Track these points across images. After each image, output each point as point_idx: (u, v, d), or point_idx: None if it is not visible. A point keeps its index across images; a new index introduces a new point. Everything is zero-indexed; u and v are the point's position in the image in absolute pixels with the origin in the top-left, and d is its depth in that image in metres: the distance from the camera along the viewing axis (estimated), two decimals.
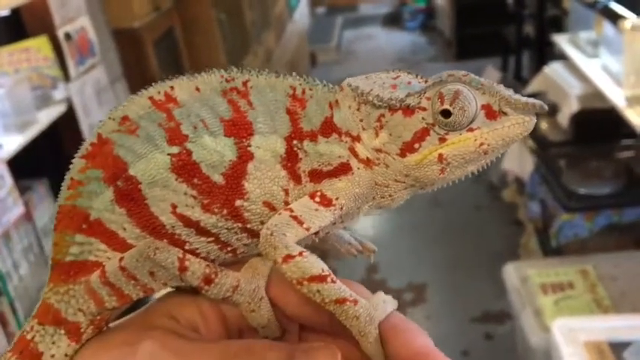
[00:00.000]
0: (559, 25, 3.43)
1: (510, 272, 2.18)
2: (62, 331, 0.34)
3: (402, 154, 0.31)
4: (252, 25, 3.94)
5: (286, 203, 0.31)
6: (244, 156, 0.32)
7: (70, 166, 0.34)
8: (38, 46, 2.12)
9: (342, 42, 6.47)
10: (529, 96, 0.31)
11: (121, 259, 0.32)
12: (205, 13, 3.09)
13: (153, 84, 0.36)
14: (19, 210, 1.93)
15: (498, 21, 4.82)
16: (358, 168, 0.32)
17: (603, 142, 2.39)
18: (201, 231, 0.32)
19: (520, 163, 2.72)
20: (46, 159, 2.29)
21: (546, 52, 3.56)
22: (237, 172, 0.32)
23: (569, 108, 2.49)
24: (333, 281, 0.30)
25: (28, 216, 2.07)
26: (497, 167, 2.93)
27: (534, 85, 2.92)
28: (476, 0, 5.29)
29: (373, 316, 0.30)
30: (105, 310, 0.34)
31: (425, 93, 0.30)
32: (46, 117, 2.08)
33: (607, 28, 2.34)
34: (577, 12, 2.84)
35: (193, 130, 0.32)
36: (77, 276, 0.34)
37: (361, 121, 0.31)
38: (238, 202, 0.32)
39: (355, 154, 0.32)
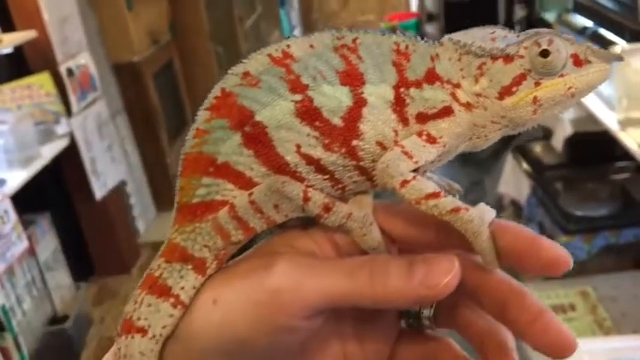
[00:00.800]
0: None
1: None
2: (189, 267, 0.36)
3: (501, 97, 0.35)
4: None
5: (396, 142, 0.36)
6: (359, 102, 0.35)
7: (196, 118, 0.37)
8: (40, 82, 2.15)
9: None
10: None
11: (250, 194, 0.36)
12: (203, 46, 3.14)
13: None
14: (23, 245, 1.95)
15: None
16: (459, 111, 0.36)
17: (598, 165, 2.43)
18: (320, 169, 0.36)
19: (516, 187, 2.75)
20: (48, 193, 2.31)
21: None
22: (353, 116, 0.35)
23: (563, 131, 2.53)
24: (445, 196, 0.34)
25: (31, 250, 2.08)
26: (493, 191, 2.96)
27: None
28: (466, 28, 5.39)
29: (483, 218, 0.33)
30: (230, 244, 0.37)
31: (523, 43, 0.34)
32: (48, 152, 2.10)
33: None
34: None
35: (312, 81, 0.36)
36: (204, 215, 0.37)
37: (461, 70, 0.36)
38: (354, 142, 0.36)
39: (456, 99, 0.36)
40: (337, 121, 0.35)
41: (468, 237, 0.33)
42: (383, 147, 0.36)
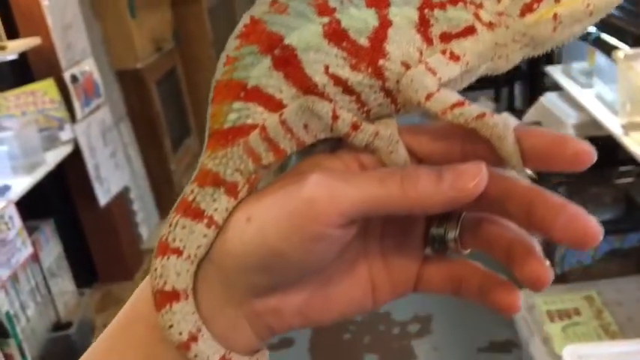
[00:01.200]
0: (550, 57, 3.50)
1: None
2: (221, 190, 0.37)
3: (522, 15, 0.35)
4: None
5: (420, 62, 0.36)
6: (384, 23, 0.36)
7: (226, 47, 0.38)
8: (45, 88, 2.16)
9: None
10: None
11: (281, 114, 0.36)
12: (205, 53, 3.15)
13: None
14: (27, 251, 1.94)
15: None
16: (482, 30, 0.36)
17: (602, 169, 2.43)
18: (347, 89, 0.37)
19: None
20: (51, 199, 2.31)
21: (538, 84, 3.63)
22: (379, 36, 0.36)
23: None
24: (469, 104, 0.35)
25: (34, 257, 2.08)
26: None
27: (531, 115, 2.97)
28: None
29: (507, 123, 0.35)
30: (261, 167, 0.37)
31: None
32: (53, 158, 2.11)
33: (600, 58, 2.40)
34: (569, 44, 2.91)
35: (340, 4, 0.36)
36: (235, 139, 0.37)
37: None
38: (381, 62, 0.36)
39: (479, 19, 0.37)
40: (364, 41, 0.36)
41: (494, 142, 0.34)
42: (407, 67, 0.36)
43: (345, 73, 0.36)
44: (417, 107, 0.36)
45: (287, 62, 0.36)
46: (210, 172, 0.37)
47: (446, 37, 0.37)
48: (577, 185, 2.46)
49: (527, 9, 0.35)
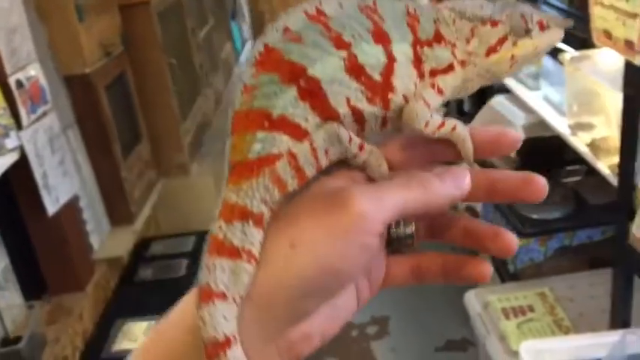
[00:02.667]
0: None
1: (472, 299, 2.22)
2: (250, 223, 0.37)
3: (487, 55, 0.43)
4: (201, 68, 3.96)
5: (414, 94, 0.42)
6: (391, 59, 0.40)
7: (242, 76, 0.39)
8: None
9: None
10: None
11: (312, 142, 0.39)
12: (156, 58, 3.09)
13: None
14: None
15: None
16: (458, 67, 0.43)
17: (550, 169, 2.50)
18: (360, 119, 0.41)
19: None
20: None
21: (486, 87, 3.70)
22: (388, 72, 0.40)
23: None
24: (446, 121, 0.42)
25: None
26: None
27: (480, 118, 3.04)
28: None
29: (466, 129, 0.42)
30: (285, 195, 0.39)
31: (505, 11, 0.42)
32: None
33: (547, 61, 2.47)
34: None
35: (353, 39, 0.39)
36: (261, 169, 0.38)
37: (456, 32, 0.43)
38: (390, 96, 0.41)
39: (455, 57, 0.43)
40: (377, 76, 0.40)
41: (459, 145, 0.42)
42: (406, 99, 0.41)
43: (363, 105, 0.40)
44: (411, 131, 0.42)
45: (313, 93, 0.38)
46: (236, 205, 0.38)
47: (433, 73, 0.42)
48: None
49: (491, 50, 0.42)
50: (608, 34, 1.63)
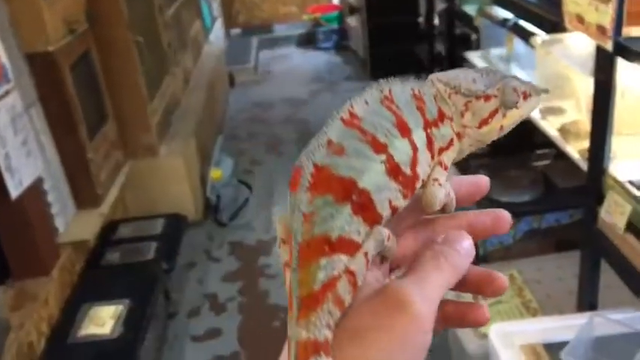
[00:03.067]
0: (468, 43, 3.59)
1: None
2: (322, 355, 0.37)
3: (480, 127, 0.45)
4: (169, 46, 3.88)
5: (428, 176, 0.43)
6: (414, 149, 0.42)
7: (298, 204, 0.39)
8: None
9: (259, 62, 6.48)
10: None
11: (366, 253, 0.39)
12: (122, 36, 3.01)
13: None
14: None
15: (410, 40, 4.99)
16: (456, 141, 0.45)
17: (520, 153, 2.52)
18: (394, 213, 0.42)
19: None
20: None
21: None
22: (414, 163, 0.42)
23: None
24: (447, 191, 0.44)
25: None
26: None
27: None
28: (388, 20, 5.45)
29: (453, 192, 0.45)
30: (343, 312, 0.39)
31: (496, 86, 0.44)
32: None
33: (518, 44, 2.47)
34: (488, 30, 2.98)
35: (386, 138, 0.41)
36: (325, 296, 0.38)
37: (452, 106, 0.44)
38: (417, 184, 0.42)
39: (453, 131, 0.45)
40: (409, 171, 0.41)
41: (448, 206, 0.45)
42: (424, 183, 0.43)
43: (400, 203, 0.42)
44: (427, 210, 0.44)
45: (364, 206, 0.39)
46: (308, 342, 0.37)
47: (440, 151, 0.44)
48: (497, 168, 2.53)
49: (483, 123, 0.45)
50: (580, 19, 1.63)
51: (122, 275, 2.62)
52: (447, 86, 0.44)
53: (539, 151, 2.56)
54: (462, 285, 0.45)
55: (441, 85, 0.44)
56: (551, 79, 2.17)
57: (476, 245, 0.43)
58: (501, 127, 0.45)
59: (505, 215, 0.46)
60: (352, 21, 6.31)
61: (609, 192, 1.64)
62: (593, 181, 1.72)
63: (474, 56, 3.02)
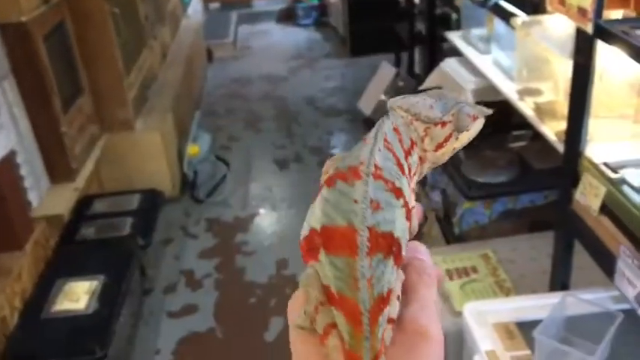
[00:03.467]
0: (448, 23, 3.58)
1: None
2: None
3: (436, 150, 0.48)
4: (146, 19, 3.81)
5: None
6: (408, 183, 0.45)
7: (360, 269, 0.40)
8: None
9: (238, 38, 6.41)
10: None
11: (398, 296, 0.41)
12: (98, 7, 2.95)
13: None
14: None
15: (390, 18, 4.97)
16: (419, 164, 0.47)
17: (497, 134, 2.53)
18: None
19: None
20: None
21: (437, 49, 3.70)
22: (410, 196, 0.44)
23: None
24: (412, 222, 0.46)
25: None
26: None
27: (431, 81, 3.03)
28: None
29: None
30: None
31: (451, 112, 0.47)
32: None
33: (498, 25, 2.47)
34: (468, 10, 2.97)
35: (399, 182, 0.43)
36: (382, 352, 0.40)
37: (414, 131, 0.47)
38: (411, 215, 0.44)
39: (418, 156, 0.47)
40: (410, 205, 0.44)
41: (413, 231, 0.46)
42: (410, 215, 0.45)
43: (408, 237, 0.43)
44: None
45: (399, 254, 0.42)
46: None
47: (412, 176, 0.46)
48: (473, 149, 2.55)
49: (439, 146, 0.48)
50: (561, 1, 1.63)
51: (97, 250, 2.59)
52: (407, 113, 0.47)
53: (515, 133, 2.58)
54: None
55: (403, 113, 0.47)
56: (531, 60, 2.17)
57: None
58: (454, 149, 0.48)
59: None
60: (334, 7, 6.25)
61: (584, 174, 1.66)
62: (569, 162, 1.74)
63: (454, 36, 3.02)
